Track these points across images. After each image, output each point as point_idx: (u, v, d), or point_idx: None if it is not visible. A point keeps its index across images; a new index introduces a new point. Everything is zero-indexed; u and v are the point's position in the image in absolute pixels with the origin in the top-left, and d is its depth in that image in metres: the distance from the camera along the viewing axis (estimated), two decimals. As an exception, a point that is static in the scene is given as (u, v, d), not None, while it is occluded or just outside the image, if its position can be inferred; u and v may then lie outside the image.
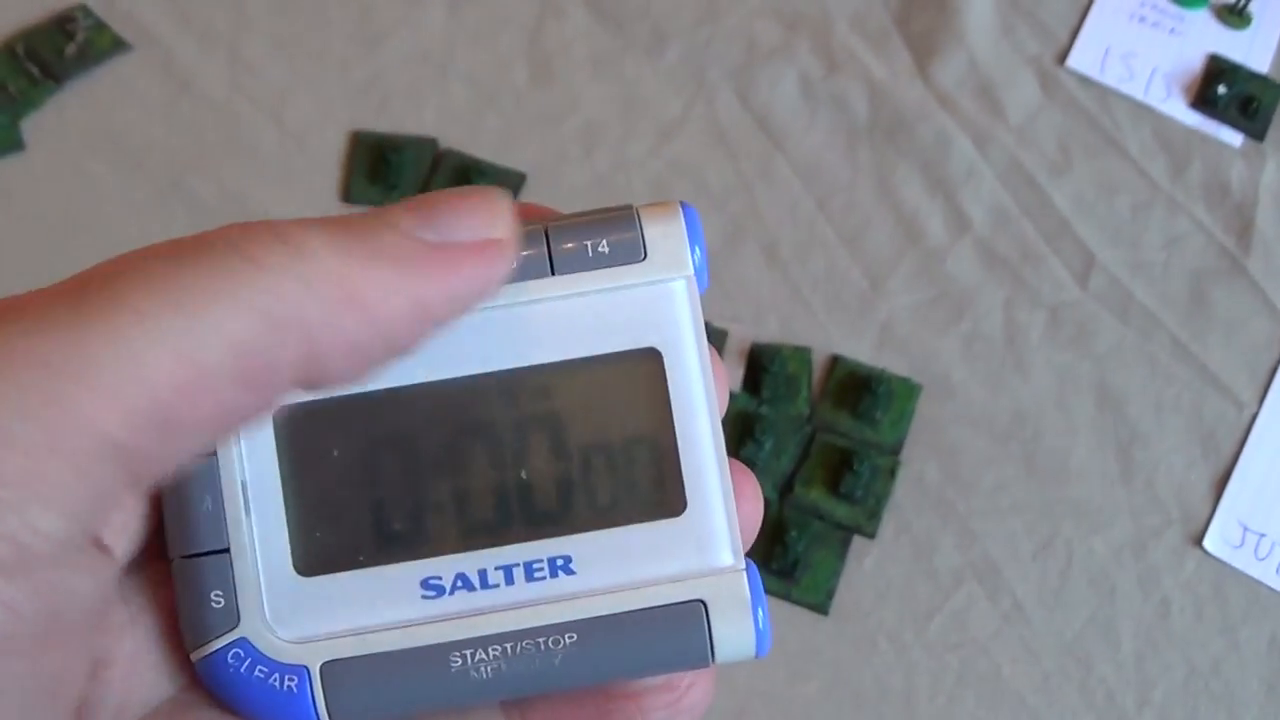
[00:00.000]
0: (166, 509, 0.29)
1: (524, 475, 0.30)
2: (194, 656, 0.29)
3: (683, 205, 0.31)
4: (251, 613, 0.29)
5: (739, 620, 0.30)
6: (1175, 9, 0.69)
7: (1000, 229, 0.64)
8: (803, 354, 0.61)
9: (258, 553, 0.29)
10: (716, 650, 0.30)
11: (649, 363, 0.31)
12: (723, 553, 0.30)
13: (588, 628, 0.29)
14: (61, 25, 0.66)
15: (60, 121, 0.64)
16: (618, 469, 0.30)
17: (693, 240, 0.31)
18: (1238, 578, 0.58)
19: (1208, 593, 0.58)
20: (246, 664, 0.29)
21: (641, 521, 0.30)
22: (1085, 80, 0.67)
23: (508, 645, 0.29)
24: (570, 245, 0.30)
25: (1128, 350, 0.62)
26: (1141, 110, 0.67)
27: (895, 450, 0.60)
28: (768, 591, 0.57)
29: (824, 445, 0.59)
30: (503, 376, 0.30)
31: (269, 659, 0.29)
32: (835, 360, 0.61)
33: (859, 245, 0.64)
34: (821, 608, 0.57)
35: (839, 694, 0.56)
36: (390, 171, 0.63)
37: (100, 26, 0.66)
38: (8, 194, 0.62)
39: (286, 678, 0.29)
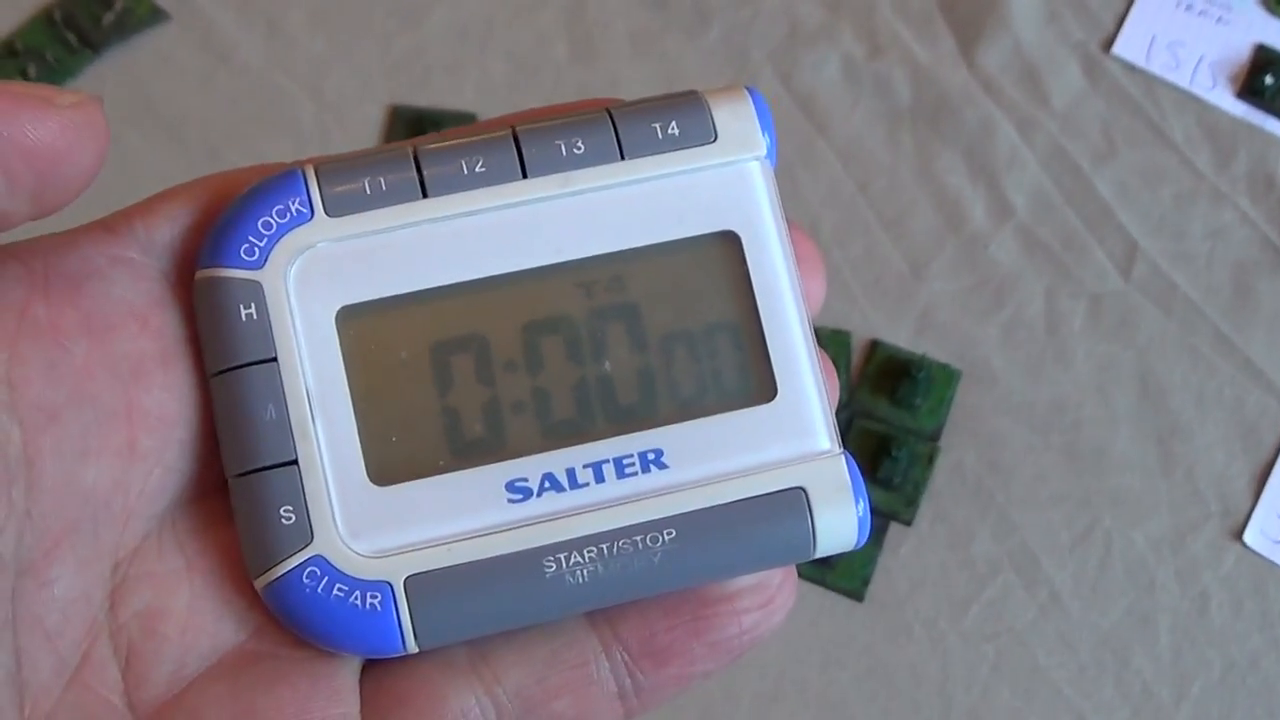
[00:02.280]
0: (221, 422, 0.28)
1: (605, 368, 0.29)
2: (261, 583, 0.27)
3: (749, 89, 0.30)
4: (325, 528, 0.27)
5: (841, 506, 0.28)
6: (1223, -3, 0.68)
7: (1043, 216, 0.63)
8: (842, 338, 0.60)
9: (327, 464, 0.28)
10: (819, 539, 0.28)
11: (727, 246, 0.29)
12: (820, 438, 0.29)
13: (686, 523, 0.28)
14: (101, -7, 0.66)
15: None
16: (702, 357, 0.29)
17: (763, 122, 0.30)
18: (1278, 573, 0.58)
19: (1247, 587, 0.57)
20: (323, 583, 0.27)
21: (731, 410, 0.29)
22: (1131, 68, 0.67)
23: (603, 546, 0.27)
24: (638, 128, 0.29)
25: (1170, 341, 0.61)
26: (1187, 99, 0.66)
27: (934, 437, 0.59)
28: (803, 577, 0.56)
29: (862, 431, 0.59)
30: (575, 266, 0.29)
31: (348, 576, 0.27)
32: (874, 345, 0.60)
33: (900, 230, 0.63)
34: (857, 594, 0.56)
35: (873, 682, 0.56)
36: (428, 146, 0.63)
37: (139, -5, 0.66)
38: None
39: (368, 595, 0.27)
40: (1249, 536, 0.58)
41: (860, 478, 0.29)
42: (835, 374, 0.30)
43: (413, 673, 0.29)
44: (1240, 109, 0.66)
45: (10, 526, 0.26)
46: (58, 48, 0.64)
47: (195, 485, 0.29)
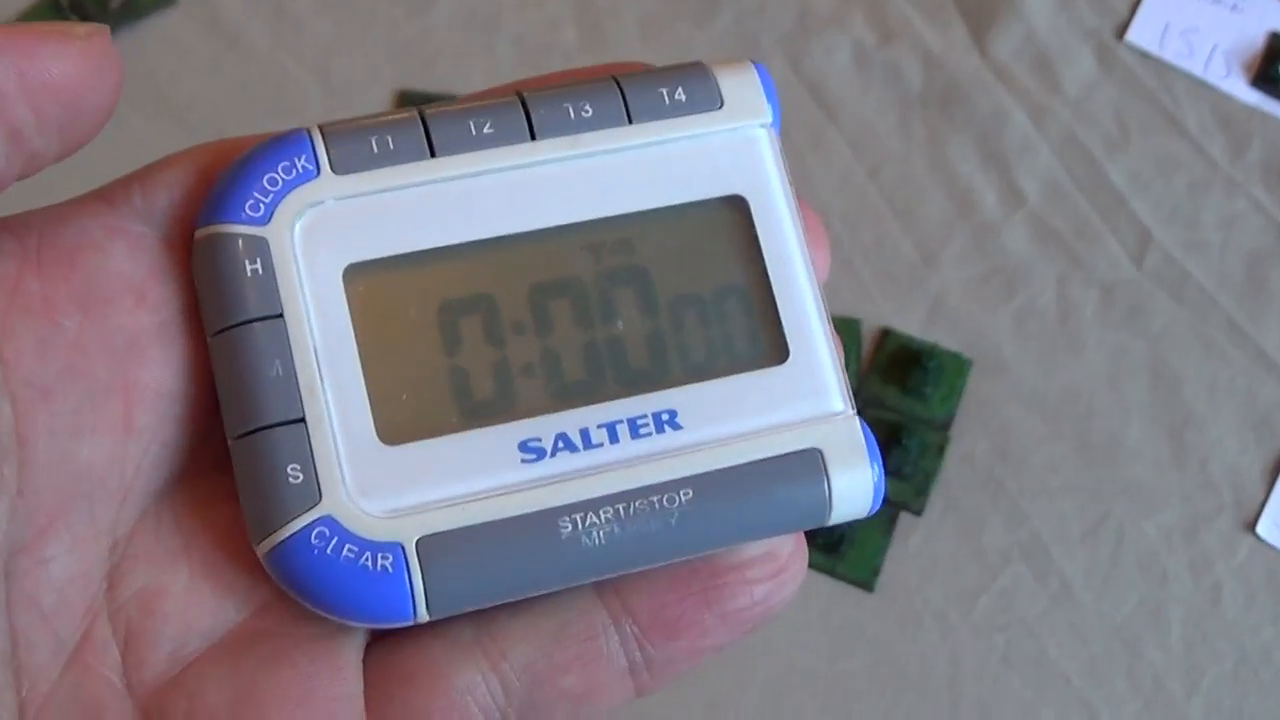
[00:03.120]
0: (224, 381, 0.27)
1: (615, 331, 0.29)
2: (265, 546, 0.26)
3: (754, 62, 0.30)
4: (334, 487, 0.26)
5: (857, 467, 0.28)
6: (1237, -15, 0.68)
7: (1055, 204, 0.63)
8: (852, 326, 0.60)
9: (336, 422, 0.27)
10: (834, 502, 0.28)
11: (735, 210, 0.29)
12: (833, 399, 0.29)
13: (703, 483, 0.27)
14: (107, -24, 0.65)
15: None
16: (712, 320, 0.29)
17: (768, 92, 0.30)
18: (1291, 564, 0.57)
19: (1260, 579, 0.57)
20: (332, 544, 0.26)
21: (744, 371, 0.29)
22: (1144, 55, 0.66)
23: (620, 506, 0.27)
24: (645, 94, 0.29)
25: (1182, 331, 0.61)
26: (1201, 87, 0.66)
27: (944, 426, 0.59)
28: (812, 567, 0.56)
29: (872, 420, 0.58)
30: (583, 228, 0.29)
31: (358, 537, 0.26)
32: (885, 333, 0.60)
33: (911, 218, 0.63)
34: (867, 584, 0.56)
35: (883, 672, 0.55)
36: (436, 132, 0.62)
37: (146, -21, 0.65)
38: (49, 146, 0.62)
39: (379, 556, 0.26)
40: (1262, 528, 0.57)
41: (875, 442, 0.29)
42: (840, 344, 0.30)
43: (417, 650, 0.28)
44: (1254, 97, 0.65)
45: (2, 504, 0.25)
46: (64, 31, 0.64)
47: (194, 462, 0.28)
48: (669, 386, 0.28)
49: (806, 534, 0.55)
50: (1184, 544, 0.57)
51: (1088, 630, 0.56)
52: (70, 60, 0.25)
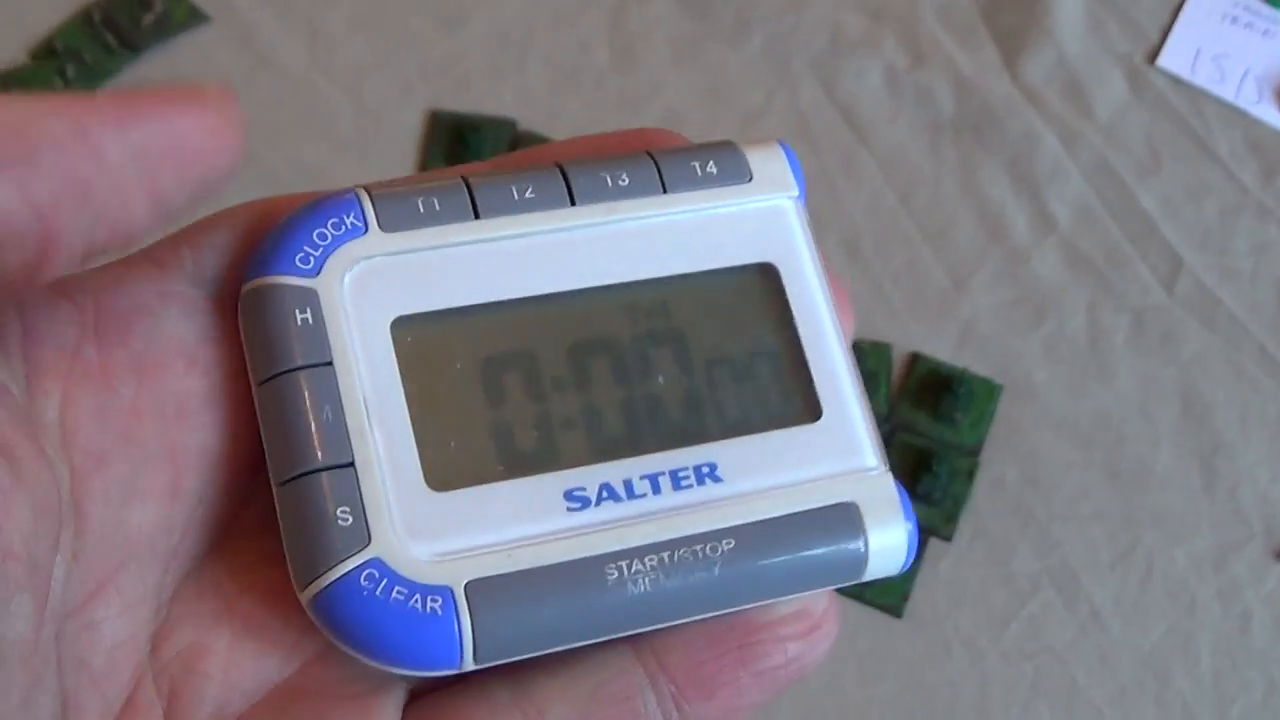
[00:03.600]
0: (272, 427, 0.27)
1: (654, 387, 0.29)
2: (313, 590, 0.26)
3: (779, 142, 0.31)
4: (383, 530, 0.26)
5: (891, 522, 0.29)
6: (1269, 10, 0.68)
7: (1086, 230, 0.63)
8: (882, 350, 0.60)
9: (384, 467, 0.27)
10: (870, 557, 0.28)
11: (766, 277, 0.30)
12: (866, 455, 0.29)
13: (744, 533, 0.28)
14: (141, -6, 0.65)
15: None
16: (745, 379, 0.30)
17: (794, 168, 0.31)
18: (1321, 594, 0.57)
19: (1290, 608, 0.57)
20: (382, 586, 0.26)
21: (779, 428, 0.29)
22: (1176, 80, 0.66)
23: (664, 555, 0.27)
24: (679, 166, 0.30)
25: (1213, 358, 0.61)
26: (1232, 113, 0.65)
27: (974, 452, 0.58)
28: (842, 593, 0.56)
29: (902, 445, 0.58)
30: (621, 290, 0.30)
31: (407, 579, 0.26)
32: (915, 358, 0.60)
33: (942, 242, 0.63)
34: (895, 610, 0.56)
35: (911, 698, 0.55)
36: (468, 152, 0.62)
37: (179, -3, 0.66)
38: (82, 163, 0.62)
39: (429, 599, 0.26)
40: (1292, 557, 0.57)
41: (907, 498, 0.29)
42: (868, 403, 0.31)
43: (454, 709, 0.28)
44: (1286, 123, 0.65)
45: (58, 570, 0.25)
46: (96, 49, 0.64)
47: (235, 525, 0.28)
48: (707, 441, 0.29)
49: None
50: (1213, 572, 0.57)
51: (1116, 658, 0.56)
52: (205, 126, 0.25)
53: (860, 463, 0.29)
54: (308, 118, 0.64)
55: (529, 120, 0.64)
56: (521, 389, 0.29)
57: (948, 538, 0.57)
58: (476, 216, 0.29)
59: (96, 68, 0.64)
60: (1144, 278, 0.62)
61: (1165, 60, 0.66)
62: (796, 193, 0.31)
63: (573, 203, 0.30)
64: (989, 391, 0.59)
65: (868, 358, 0.59)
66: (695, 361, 0.30)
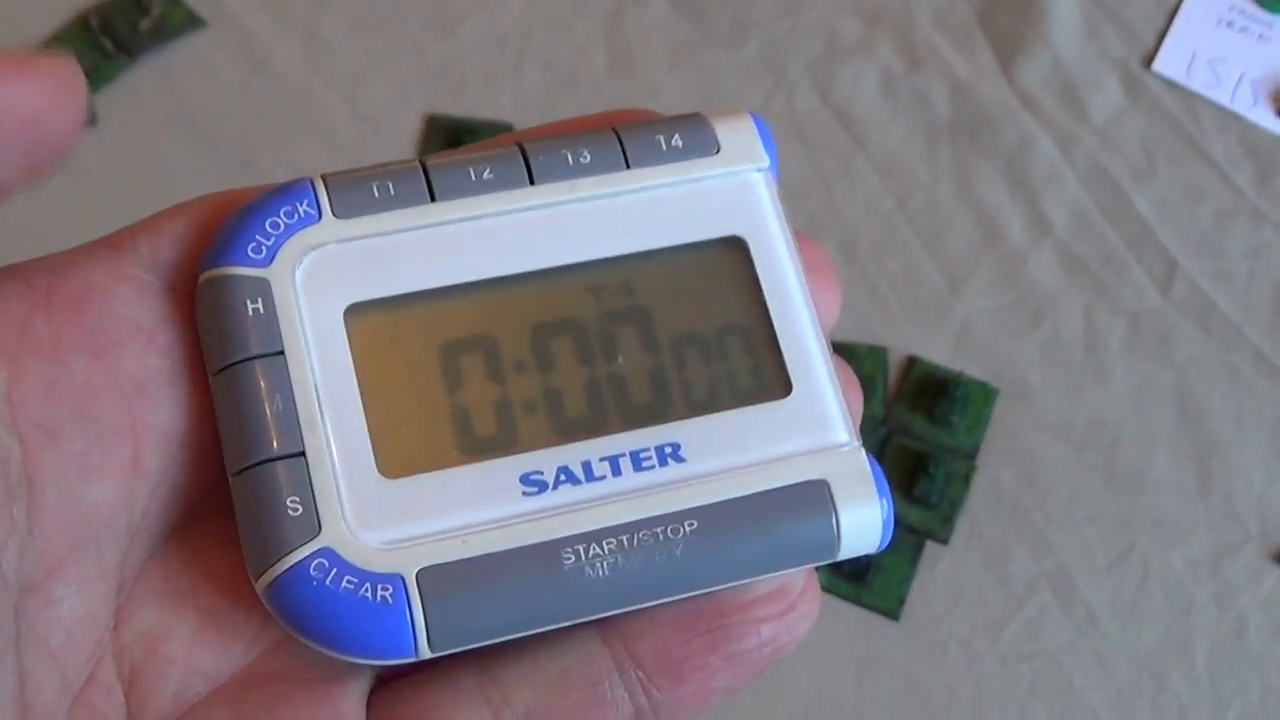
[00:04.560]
0: (225, 418, 0.27)
1: (617, 367, 0.29)
2: (265, 580, 0.26)
3: (752, 114, 0.31)
4: (334, 519, 0.26)
5: (864, 499, 0.28)
6: (1264, 15, 0.68)
7: (1082, 233, 0.63)
8: (879, 354, 0.60)
9: (336, 456, 0.27)
10: (843, 535, 0.28)
11: (734, 250, 0.30)
12: (838, 431, 0.29)
13: (708, 514, 0.27)
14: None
15: (133, 97, 0.64)
16: (713, 356, 0.29)
17: (764, 138, 0.30)
18: (1317, 596, 0.57)
19: (1286, 611, 0.57)
20: (331, 575, 0.26)
21: (746, 405, 0.29)
22: (1171, 84, 0.66)
23: (623, 538, 0.27)
24: (643, 140, 0.30)
25: (1209, 361, 0.61)
26: (1228, 117, 0.66)
27: (971, 455, 0.59)
28: (838, 595, 0.56)
29: (899, 448, 0.58)
30: (584, 269, 0.29)
31: (357, 568, 0.26)
32: (912, 361, 0.60)
33: (938, 246, 0.63)
34: (893, 613, 0.56)
35: (908, 701, 0.55)
36: (465, 157, 0.62)
37: (176, 1, 0.65)
38: (79, 169, 0.62)
39: (379, 588, 0.26)
40: (1288, 559, 0.57)
41: (882, 474, 0.29)
42: (856, 380, 0.30)
43: (419, 695, 0.28)
44: (1281, 127, 0.65)
45: (12, 545, 0.25)
46: (93, 54, 0.64)
47: (203, 507, 0.28)
48: (672, 420, 0.28)
49: (834, 564, 0.55)
50: (1210, 575, 0.57)
51: (1113, 661, 0.56)
52: (32, 89, 0.24)
53: (831, 439, 0.29)
54: (305, 122, 0.64)
55: (526, 124, 0.64)
56: (480, 373, 0.28)
57: (944, 541, 0.57)
58: (433, 199, 0.29)
59: (94, 73, 0.64)
60: (1139, 281, 0.62)
61: (1160, 64, 0.67)
62: (767, 163, 0.30)
63: (532, 182, 0.29)
64: (985, 395, 0.59)
65: (864, 361, 0.59)
66: (661, 339, 0.29)
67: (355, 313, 0.28)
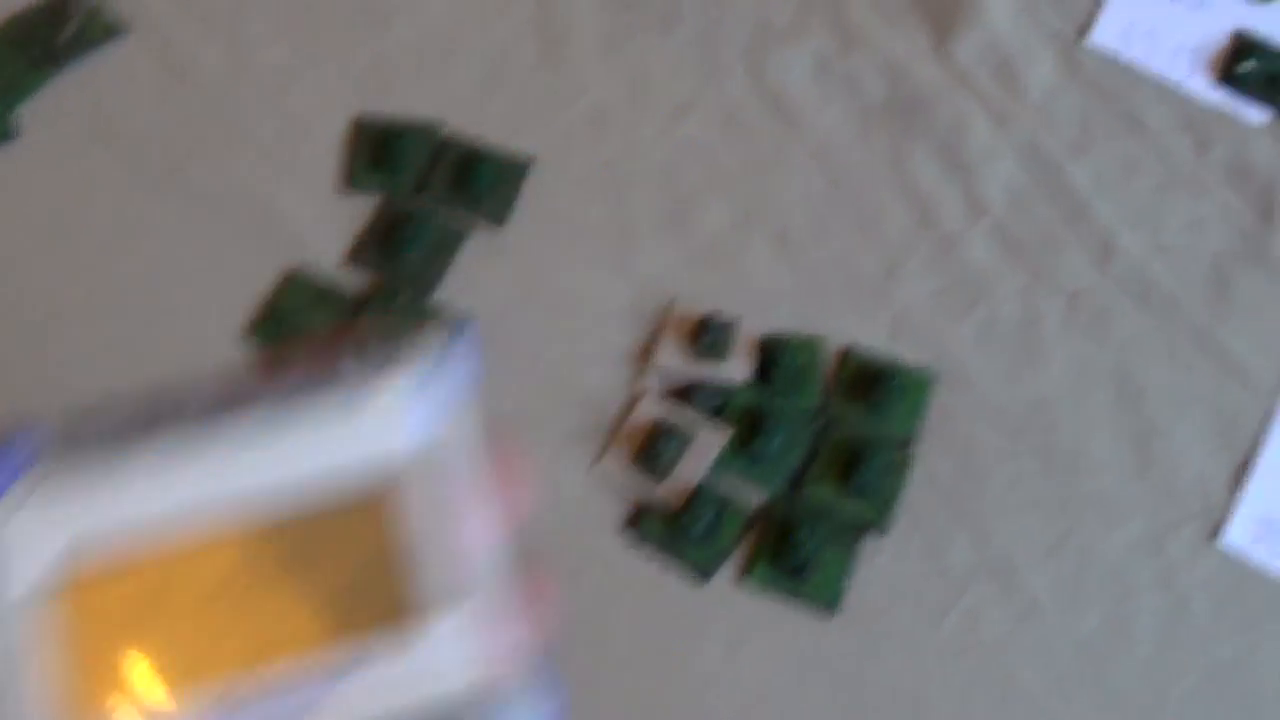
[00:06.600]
0: None
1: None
2: None
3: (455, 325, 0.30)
4: None
5: None
6: (1201, -19, 0.67)
7: (1018, 212, 0.62)
8: (812, 345, 0.59)
9: None
10: None
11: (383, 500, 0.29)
12: (454, 681, 0.28)
13: None
14: (56, 9, 0.64)
15: (56, 109, 0.63)
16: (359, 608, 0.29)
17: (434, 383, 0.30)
18: (1258, 574, 0.57)
19: (1227, 590, 0.57)
20: None
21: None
22: (1107, 57, 0.66)
23: None
24: (295, 388, 0.29)
25: (1147, 338, 0.61)
26: (1164, 88, 0.65)
27: (908, 444, 0.58)
28: (776, 589, 0.56)
29: (835, 439, 0.58)
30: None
31: None
32: (847, 351, 0.60)
33: (873, 230, 0.62)
34: (831, 607, 0.56)
35: (848, 695, 0.55)
36: (393, 157, 0.62)
37: (96, 10, 0.65)
38: (2, 183, 0.61)
39: None
40: (1228, 537, 0.57)
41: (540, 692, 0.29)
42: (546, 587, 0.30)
43: None
44: (1218, 97, 0.65)
45: None
46: (13, 66, 0.63)
47: None
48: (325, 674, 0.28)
49: (771, 557, 0.55)
50: (1150, 557, 0.57)
51: (1055, 647, 0.56)
52: None
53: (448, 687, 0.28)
54: (231, 129, 0.63)
55: (457, 121, 0.63)
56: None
57: (883, 531, 0.57)
58: None
59: (15, 86, 0.63)
60: (1077, 259, 0.62)
61: (1097, 37, 0.66)
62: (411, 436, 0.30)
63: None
64: (922, 383, 0.59)
65: (798, 353, 0.59)
66: (313, 591, 0.29)
67: None
